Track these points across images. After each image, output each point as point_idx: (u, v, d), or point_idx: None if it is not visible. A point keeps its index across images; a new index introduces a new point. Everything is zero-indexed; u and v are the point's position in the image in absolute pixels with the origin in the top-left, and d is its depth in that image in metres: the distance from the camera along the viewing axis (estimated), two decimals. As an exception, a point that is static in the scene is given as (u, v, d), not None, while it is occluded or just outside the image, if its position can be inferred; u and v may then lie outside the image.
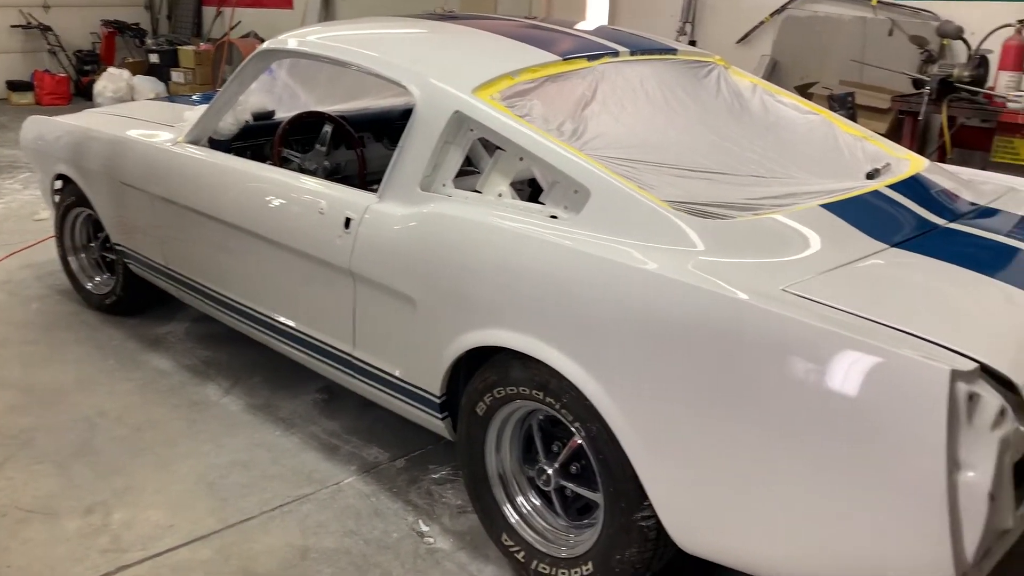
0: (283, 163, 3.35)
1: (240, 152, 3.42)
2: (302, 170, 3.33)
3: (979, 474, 1.57)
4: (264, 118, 3.58)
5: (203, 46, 10.36)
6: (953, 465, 1.57)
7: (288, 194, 2.92)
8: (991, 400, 1.58)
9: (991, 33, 4.77)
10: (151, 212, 3.54)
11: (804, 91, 5.57)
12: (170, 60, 10.34)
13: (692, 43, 6.54)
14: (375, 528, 2.66)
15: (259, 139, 3.56)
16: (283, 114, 3.60)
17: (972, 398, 1.57)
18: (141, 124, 3.77)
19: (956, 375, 1.56)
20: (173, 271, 3.56)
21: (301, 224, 2.82)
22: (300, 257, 2.84)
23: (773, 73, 6.18)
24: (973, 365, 1.60)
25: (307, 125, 3.50)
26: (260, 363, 3.65)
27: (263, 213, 2.98)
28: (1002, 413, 1.57)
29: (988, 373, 1.63)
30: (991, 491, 1.57)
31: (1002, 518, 1.62)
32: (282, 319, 3.03)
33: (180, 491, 2.83)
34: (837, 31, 6.00)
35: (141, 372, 3.63)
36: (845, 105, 4.87)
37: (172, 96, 8.68)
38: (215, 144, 3.40)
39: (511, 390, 2.30)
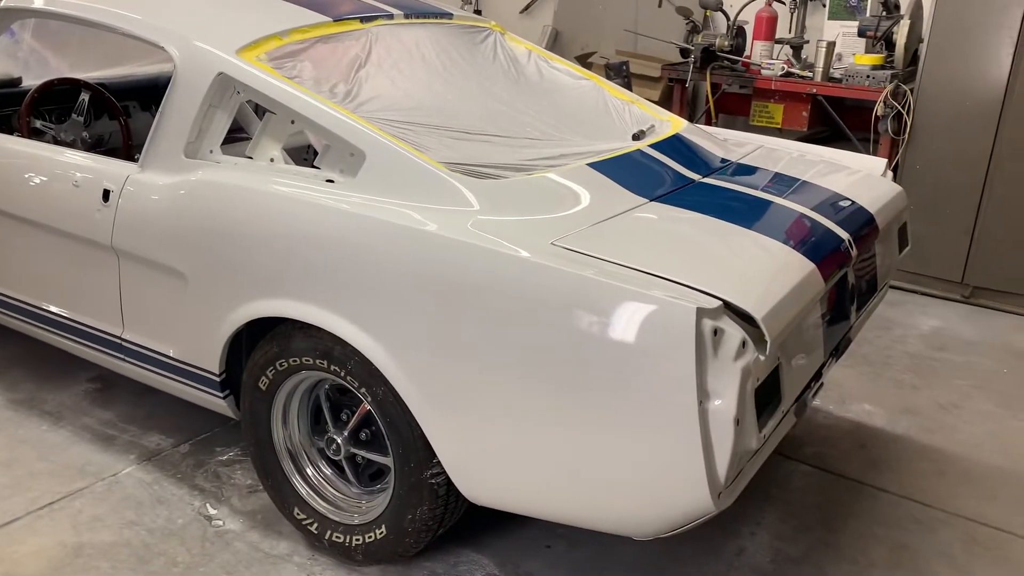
0: (34, 135, 3.06)
1: (-20, 124, 3.09)
2: (57, 142, 3.06)
3: (725, 401, 1.72)
4: (8, 85, 3.25)
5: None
6: (703, 395, 1.71)
7: (37, 167, 2.67)
8: (733, 333, 1.72)
9: (746, 4, 5.15)
10: None
11: (584, 60, 5.78)
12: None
13: (477, 12, 6.60)
14: (158, 516, 2.52)
15: (3, 109, 3.23)
16: (31, 81, 3.28)
17: (716, 332, 1.71)
18: None
19: (701, 312, 1.70)
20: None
21: (55, 200, 2.59)
22: (57, 236, 2.62)
23: (555, 43, 6.36)
24: (717, 302, 1.75)
25: (61, 93, 3.21)
26: (21, 356, 3.35)
27: (11, 189, 2.71)
28: (743, 345, 1.72)
29: (732, 310, 1.77)
30: (736, 416, 1.72)
31: (747, 440, 1.78)
32: (43, 305, 2.78)
33: (-72, 500, 2.55)
34: (612, 2, 6.25)
35: None
36: (621, 74, 5.11)
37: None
38: (-52, 115, 3.05)
39: (294, 361, 2.25)
